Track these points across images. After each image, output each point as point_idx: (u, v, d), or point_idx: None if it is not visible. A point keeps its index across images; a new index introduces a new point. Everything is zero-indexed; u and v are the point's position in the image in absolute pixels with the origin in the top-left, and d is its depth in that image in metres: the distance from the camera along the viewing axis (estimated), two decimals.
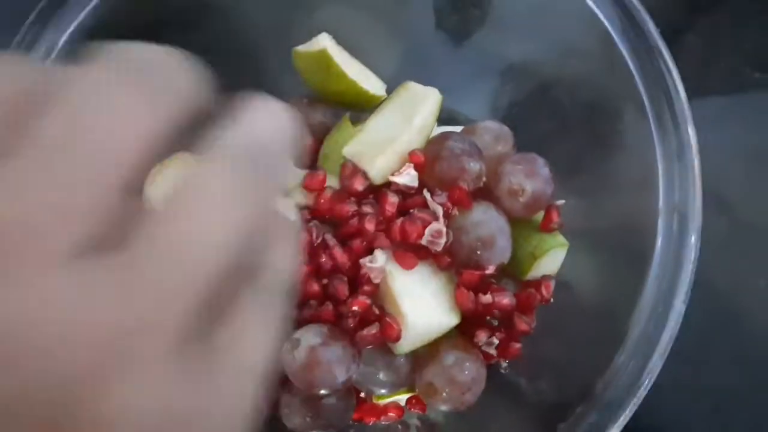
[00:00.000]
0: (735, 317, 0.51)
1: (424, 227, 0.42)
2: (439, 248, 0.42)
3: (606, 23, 0.41)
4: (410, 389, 0.46)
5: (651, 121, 0.40)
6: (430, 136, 0.45)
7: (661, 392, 0.49)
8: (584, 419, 0.33)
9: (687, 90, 0.38)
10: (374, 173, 0.43)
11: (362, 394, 0.47)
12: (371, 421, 0.46)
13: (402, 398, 0.47)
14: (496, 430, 0.41)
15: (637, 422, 0.50)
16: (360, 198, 0.44)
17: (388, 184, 0.44)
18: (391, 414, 0.46)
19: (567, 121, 0.49)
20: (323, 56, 0.46)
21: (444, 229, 0.42)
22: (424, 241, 0.42)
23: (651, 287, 0.36)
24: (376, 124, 0.45)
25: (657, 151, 0.39)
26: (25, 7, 0.39)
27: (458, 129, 0.49)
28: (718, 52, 0.60)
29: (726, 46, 0.60)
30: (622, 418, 0.32)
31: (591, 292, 0.43)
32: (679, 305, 0.35)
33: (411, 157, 0.43)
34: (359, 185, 0.43)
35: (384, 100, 0.47)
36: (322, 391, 0.41)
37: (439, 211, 0.42)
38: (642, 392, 0.32)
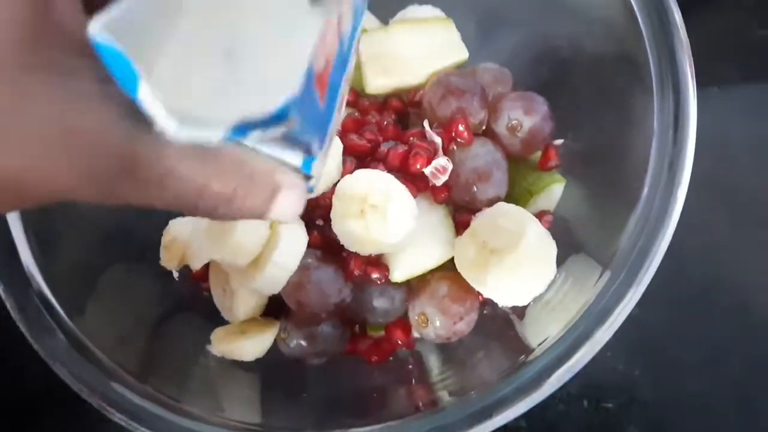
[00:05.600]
0: (734, 269, 0.51)
1: (429, 159, 0.42)
2: (439, 183, 0.43)
3: None
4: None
5: (653, 75, 0.39)
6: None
7: (661, 339, 0.50)
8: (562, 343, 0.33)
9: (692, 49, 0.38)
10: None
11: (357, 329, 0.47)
12: (365, 352, 0.46)
13: None
14: (484, 358, 0.42)
15: (633, 365, 0.50)
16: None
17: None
18: (384, 346, 0.46)
19: (568, 70, 0.49)
20: None
21: (450, 167, 0.42)
22: (427, 172, 0.42)
23: (637, 222, 0.36)
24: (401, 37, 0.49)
25: (654, 102, 0.39)
26: None
27: None
28: (724, 11, 0.60)
29: (731, 4, 0.60)
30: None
31: (582, 225, 0.44)
32: (666, 239, 0.35)
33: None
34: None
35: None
36: (317, 314, 0.42)
37: (438, 140, 0.43)
38: (626, 310, 0.33)
